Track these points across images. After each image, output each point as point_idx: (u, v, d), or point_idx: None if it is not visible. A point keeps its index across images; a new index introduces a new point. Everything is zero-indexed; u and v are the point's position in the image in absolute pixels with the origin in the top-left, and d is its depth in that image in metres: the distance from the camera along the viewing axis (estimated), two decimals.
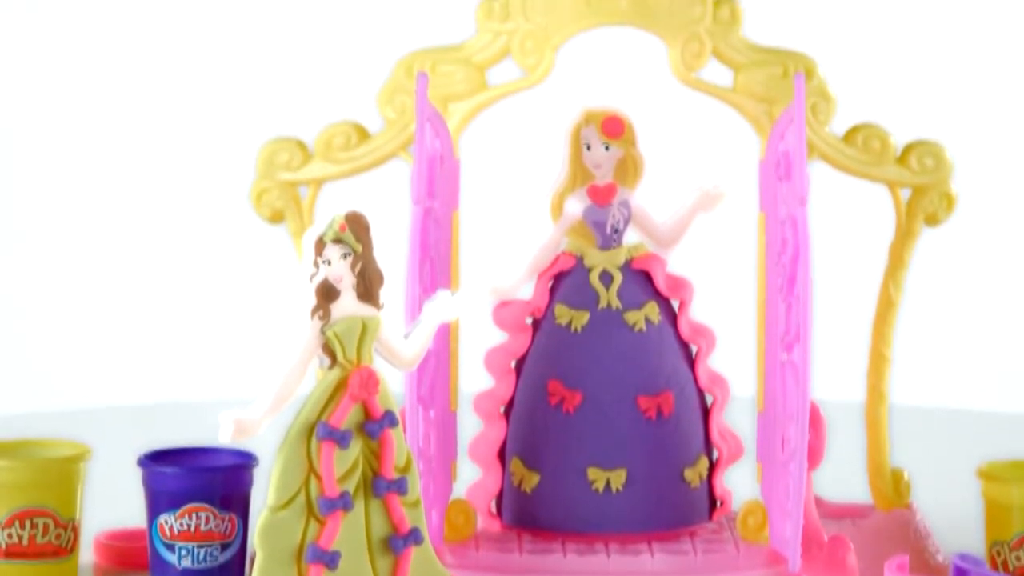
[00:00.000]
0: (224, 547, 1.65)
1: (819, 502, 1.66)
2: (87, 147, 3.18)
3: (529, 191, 1.71)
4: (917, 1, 3.15)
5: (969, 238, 2.81)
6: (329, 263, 1.45)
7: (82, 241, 3.19)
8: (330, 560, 1.45)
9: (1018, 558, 1.63)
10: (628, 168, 1.65)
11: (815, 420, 1.61)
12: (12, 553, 1.66)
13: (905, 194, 1.68)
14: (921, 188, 1.67)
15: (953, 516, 1.72)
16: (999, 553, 1.63)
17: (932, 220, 1.68)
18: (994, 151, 3.08)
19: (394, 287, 1.48)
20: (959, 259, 2.89)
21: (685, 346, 1.66)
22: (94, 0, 3.20)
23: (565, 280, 1.66)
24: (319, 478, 1.45)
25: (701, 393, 1.66)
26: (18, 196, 3.21)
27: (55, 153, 3.19)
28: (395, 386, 1.50)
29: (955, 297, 3.12)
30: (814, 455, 1.62)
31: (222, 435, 1.43)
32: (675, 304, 1.66)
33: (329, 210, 1.47)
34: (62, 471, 1.68)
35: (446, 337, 1.64)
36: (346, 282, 1.45)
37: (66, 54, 3.21)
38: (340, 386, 1.46)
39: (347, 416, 1.46)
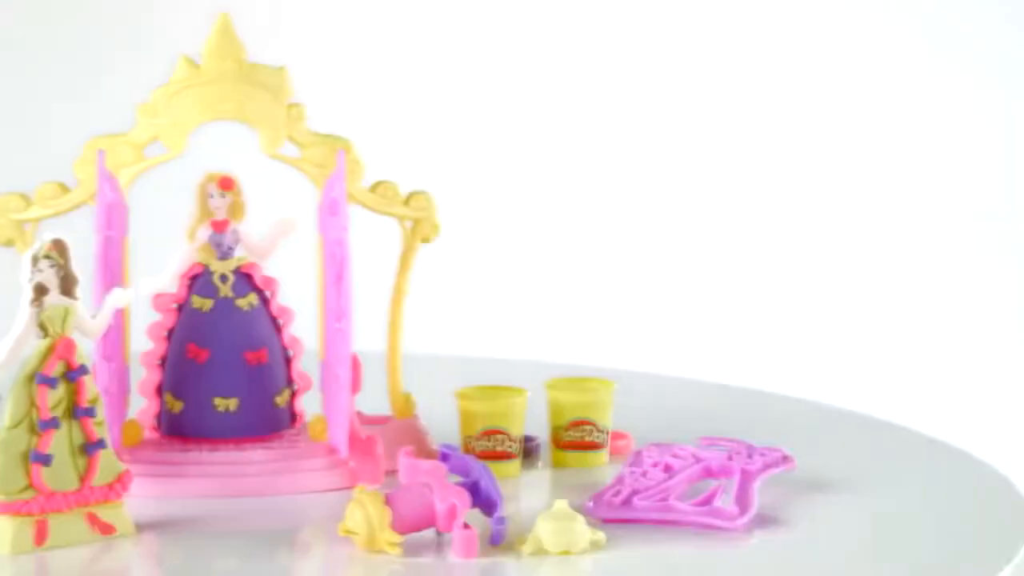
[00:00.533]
0: None
1: (359, 415, 1.65)
2: None
3: (176, 224, 1.68)
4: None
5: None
6: (41, 271, 1.44)
7: None
8: (46, 460, 1.44)
9: (481, 446, 1.64)
10: (236, 209, 1.64)
11: (355, 365, 1.62)
12: None
13: (408, 224, 1.67)
14: (418, 220, 1.66)
15: (441, 423, 1.70)
16: (468, 443, 1.66)
17: (425, 240, 1.67)
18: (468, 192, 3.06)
19: (85, 285, 1.46)
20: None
21: (274, 320, 1.65)
22: None
23: (197, 280, 1.64)
24: (38, 408, 1.43)
25: (285, 349, 1.65)
26: None
27: None
28: (88, 348, 1.49)
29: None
30: (355, 386, 1.63)
31: None
32: (268, 293, 1.65)
33: (43, 236, 1.45)
34: None
35: (121, 316, 1.61)
36: (53, 283, 1.44)
37: None
38: (51, 349, 1.44)
39: (55, 368, 1.44)
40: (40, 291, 1.44)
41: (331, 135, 1.63)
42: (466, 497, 1.42)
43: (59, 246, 1.44)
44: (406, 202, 1.66)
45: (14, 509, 1.42)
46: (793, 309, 3.11)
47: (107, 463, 1.47)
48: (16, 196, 1.62)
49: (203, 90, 1.60)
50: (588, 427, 1.68)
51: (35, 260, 1.44)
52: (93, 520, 1.46)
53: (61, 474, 1.44)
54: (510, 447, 1.65)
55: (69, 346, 1.44)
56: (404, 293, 1.68)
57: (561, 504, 1.44)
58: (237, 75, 1.60)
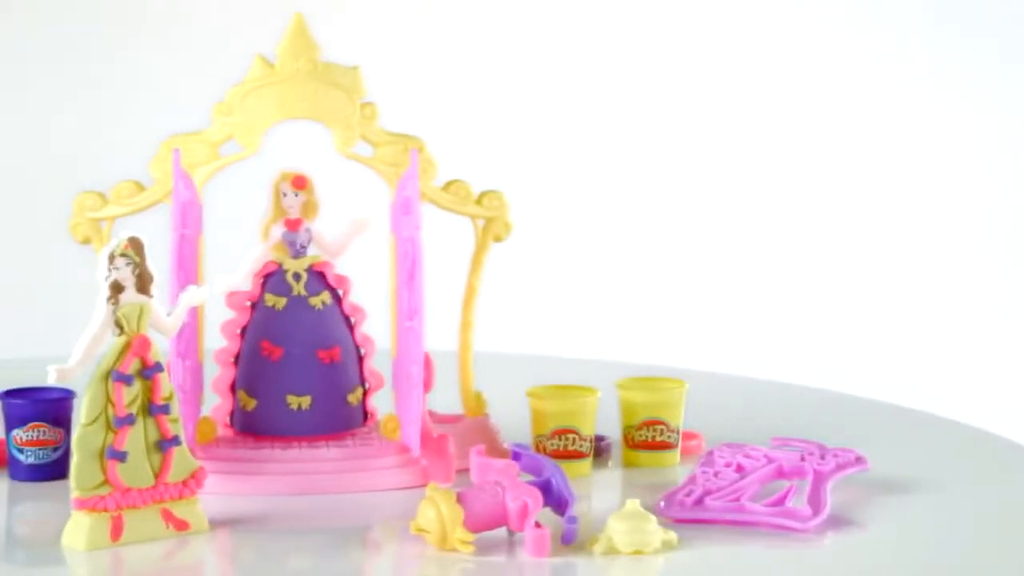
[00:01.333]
0: (55, 450, 1.62)
1: (431, 413, 1.65)
2: None
3: (250, 222, 1.68)
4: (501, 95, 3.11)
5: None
6: (118, 269, 1.44)
7: None
8: (122, 456, 1.44)
9: (553, 445, 1.65)
10: (309, 208, 1.64)
11: (427, 363, 1.62)
12: None
13: (480, 223, 1.67)
14: (490, 219, 1.66)
15: (512, 422, 1.69)
16: (539, 442, 1.66)
17: (498, 239, 1.67)
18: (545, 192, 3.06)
19: (161, 283, 1.47)
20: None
21: (347, 318, 1.65)
22: None
23: (271, 278, 1.64)
24: (114, 405, 1.44)
25: (357, 347, 1.65)
26: None
27: None
28: (163, 346, 1.49)
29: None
30: (427, 385, 1.63)
31: (50, 378, 1.42)
32: (340, 292, 1.65)
33: (119, 234, 1.46)
34: None
35: (195, 314, 1.61)
36: (129, 281, 1.44)
37: None
38: (126, 347, 1.44)
39: (131, 365, 1.44)
40: (116, 289, 1.44)
41: (404, 134, 1.63)
42: (538, 496, 1.42)
43: (135, 244, 1.45)
44: (479, 201, 1.66)
45: (90, 505, 1.43)
46: (865, 310, 3.10)
47: (182, 460, 1.47)
48: (93, 194, 1.63)
49: (278, 89, 1.61)
50: (660, 427, 1.68)
51: (111, 258, 1.44)
52: (168, 516, 1.46)
53: (136, 470, 1.45)
54: (581, 446, 1.64)
55: (144, 343, 1.45)
56: (476, 292, 1.68)
57: (633, 504, 1.43)
58: (311, 74, 1.61)
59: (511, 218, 1.66)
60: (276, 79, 1.61)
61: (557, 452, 1.62)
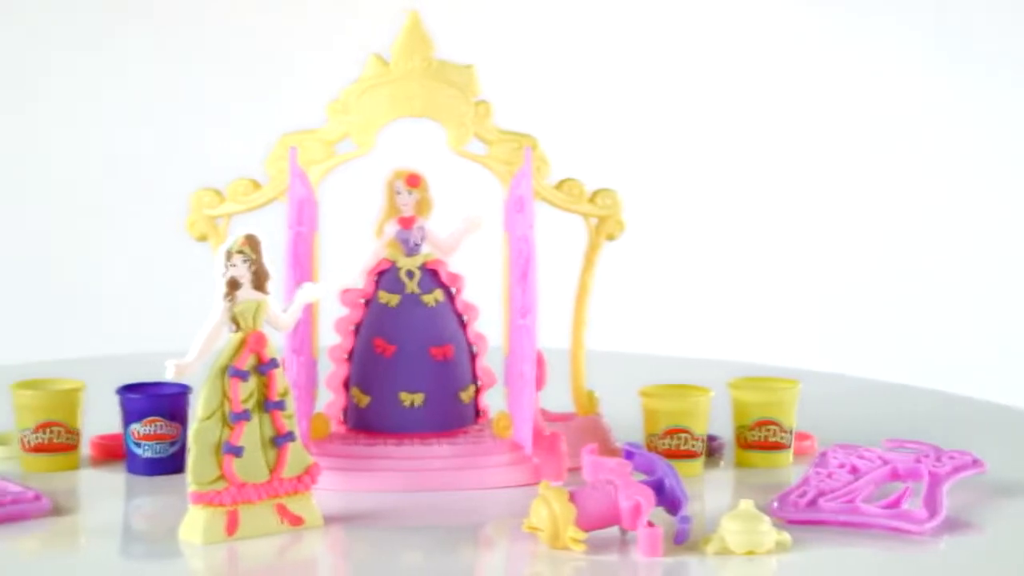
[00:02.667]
0: (172, 444, 1.64)
1: (543, 412, 1.65)
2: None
3: (364, 220, 1.69)
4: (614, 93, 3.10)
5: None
6: (234, 266, 1.45)
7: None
8: (237, 451, 1.45)
9: (665, 444, 1.64)
10: (423, 206, 1.65)
11: (540, 361, 1.62)
12: (39, 448, 1.66)
13: (593, 221, 1.67)
14: (603, 217, 1.66)
15: (624, 421, 1.69)
16: (652, 441, 1.65)
17: (610, 237, 1.66)
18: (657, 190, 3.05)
19: (277, 280, 1.48)
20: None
21: (459, 316, 1.66)
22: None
23: (384, 275, 1.64)
24: (230, 400, 1.45)
25: (470, 345, 1.65)
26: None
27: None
28: (278, 343, 1.50)
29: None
30: (539, 383, 1.63)
31: (167, 373, 1.43)
32: (453, 290, 1.65)
33: (235, 232, 1.47)
34: (68, 397, 1.67)
35: (310, 311, 1.62)
36: (245, 278, 1.45)
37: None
38: (243, 343, 1.45)
39: (247, 361, 1.45)
40: (233, 286, 1.45)
41: (518, 132, 1.63)
42: (651, 495, 1.41)
43: (252, 241, 1.45)
44: (592, 199, 1.66)
45: (206, 499, 1.44)
46: (981, 312, 3.06)
47: (296, 455, 1.48)
48: (209, 192, 1.64)
49: (392, 87, 1.61)
50: (772, 427, 1.66)
51: (228, 255, 1.45)
52: (283, 511, 1.47)
53: (252, 466, 1.46)
54: (694, 446, 1.63)
55: (260, 340, 1.46)
56: (589, 290, 1.68)
57: (746, 504, 1.42)
58: (425, 72, 1.61)
59: (624, 216, 1.66)
60: (391, 77, 1.61)
61: (669, 451, 1.62)
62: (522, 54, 3.08)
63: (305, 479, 1.48)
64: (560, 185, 1.64)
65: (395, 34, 1.62)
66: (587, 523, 1.41)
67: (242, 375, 1.45)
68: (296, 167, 1.59)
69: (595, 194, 1.65)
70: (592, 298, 1.68)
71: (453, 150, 1.62)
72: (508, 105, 1.71)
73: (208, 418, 1.44)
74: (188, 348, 1.44)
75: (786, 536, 1.42)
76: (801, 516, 1.48)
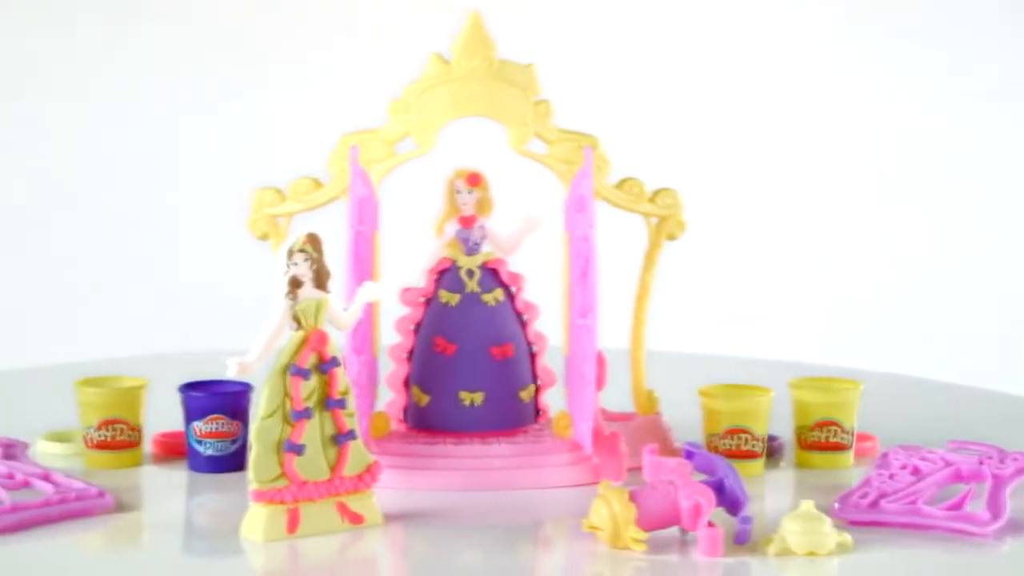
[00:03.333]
0: (232, 442, 1.65)
1: (603, 411, 1.65)
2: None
3: (421, 218, 1.69)
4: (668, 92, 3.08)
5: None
6: (296, 264, 1.46)
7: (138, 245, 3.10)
8: (299, 449, 1.46)
9: (725, 445, 1.63)
10: (483, 205, 1.65)
11: (600, 361, 1.62)
12: (102, 446, 1.67)
13: (654, 221, 1.66)
14: (664, 217, 1.66)
15: (683, 421, 1.69)
16: (712, 441, 1.65)
17: (671, 237, 1.66)
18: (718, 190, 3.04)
19: (338, 279, 1.48)
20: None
21: (520, 315, 1.65)
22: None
23: (445, 275, 1.65)
24: (291, 399, 1.45)
25: (530, 344, 1.65)
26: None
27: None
28: (340, 342, 1.50)
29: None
30: (599, 382, 1.62)
31: (229, 371, 1.44)
32: (513, 289, 1.65)
33: (296, 231, 1.47)
34: (131, 394, 1.67)
35: (370, 310, 1.62)
36: (307, 276, 1.46)
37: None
38: (304, 342, 1.46)
39: (308, 360, 1.45)
40: (294, 284, 1.45)
41: (578, 132, 1.63)
42: (711, 495, 1.40)
43: (314, 240, 1.46)
44: (652, 199, 1.65)
45: (268, 497, 1.45)
46: None
47: (357, 454, 1.48)
48: (271, 191, 1.64)
49: (453, 87, 1.61)
50: (833, 428, 1.65)
51: (290, 254, 1.45)
52: (343, 509, 1.47)
53: (313, 464, 1.46)
54: (754, 446, 1.62)
55: (322, 338, 1.46)
56: (649, 290, 1.68)
57: (808, 505, 1.41)
58: (486, 72, 1.61)
59: (685, 216, 1.65)
60: (452, 77, 1.61)
61: (730, 451, 1.61)
62: (582, 53, 3.08)
63: (366, 477, 1.48)
64: (620, 184, 1.64)
65: (456, 33, 1.61)
66: (647, 523, 1.41)
67: (303, 373, 1.45)
68: (357, 166, 1.60)
69: (656, 193, 1.65)
70: (652, 298, 1.68)
71: (514, 149, 1.62)
72: (568, 104, 1.70)
73: (270, 416, 1.45)
74: (250, 346, 1.45)
75: (847, 537, 1.41)
76: (863, 517, 1.47)
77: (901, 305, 3.06)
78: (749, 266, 3.08)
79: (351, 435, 1.47)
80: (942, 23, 3.07)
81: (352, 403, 1.48)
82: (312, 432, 1.46)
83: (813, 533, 1.40)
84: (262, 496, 1.44)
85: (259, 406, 1.45)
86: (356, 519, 1.48)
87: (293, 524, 1.45)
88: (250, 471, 1.45)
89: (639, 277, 1.67)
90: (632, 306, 1.68)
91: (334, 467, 1.47)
